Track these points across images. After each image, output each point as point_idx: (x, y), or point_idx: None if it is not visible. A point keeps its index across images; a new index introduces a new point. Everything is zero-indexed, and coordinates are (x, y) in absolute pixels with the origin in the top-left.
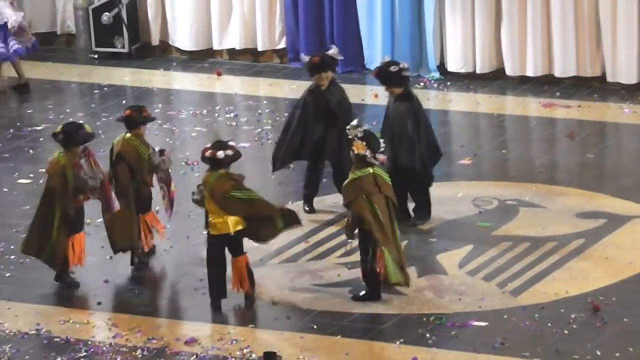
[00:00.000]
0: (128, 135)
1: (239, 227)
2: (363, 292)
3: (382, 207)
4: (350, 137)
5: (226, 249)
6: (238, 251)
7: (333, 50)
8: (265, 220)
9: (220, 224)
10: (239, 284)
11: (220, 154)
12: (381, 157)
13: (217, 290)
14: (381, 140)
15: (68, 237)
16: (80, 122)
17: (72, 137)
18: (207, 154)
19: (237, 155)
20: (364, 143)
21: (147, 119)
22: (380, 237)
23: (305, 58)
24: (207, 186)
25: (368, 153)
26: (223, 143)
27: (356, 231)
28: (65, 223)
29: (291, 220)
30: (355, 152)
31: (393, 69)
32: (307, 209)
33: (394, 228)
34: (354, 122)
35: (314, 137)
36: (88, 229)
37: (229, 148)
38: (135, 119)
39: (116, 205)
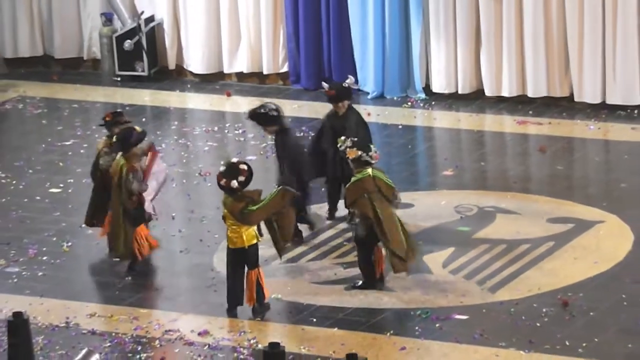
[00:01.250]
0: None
1: (254, 242)
2: (360, 282)
3: (382, 205)
4: (342, 148)
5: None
6: (251, 265)
7: (349, 81)
8: (283, 219)
9: (237, 239)
10: (248, 296)
11: (234, 183)
12: (376, 155)
13: (233, 298)
14: (372, 146)
15: (133, 230)
16: (131, 126)
17: (127, 140)
18: (222, 183)
19: (248, 180)
20: (355, 148)
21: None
22: (381, 236)
23: (325, 86)
24: (225, 207)
25: (361, 153)
26: (235, 169)
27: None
28: (127, 219)
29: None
30: (351, 157)
31: (262, 110)
32: (327, 218)
33: (398, 222)
34: (343, 137)
35: (329, 156)
36: None
37: (241, 174)
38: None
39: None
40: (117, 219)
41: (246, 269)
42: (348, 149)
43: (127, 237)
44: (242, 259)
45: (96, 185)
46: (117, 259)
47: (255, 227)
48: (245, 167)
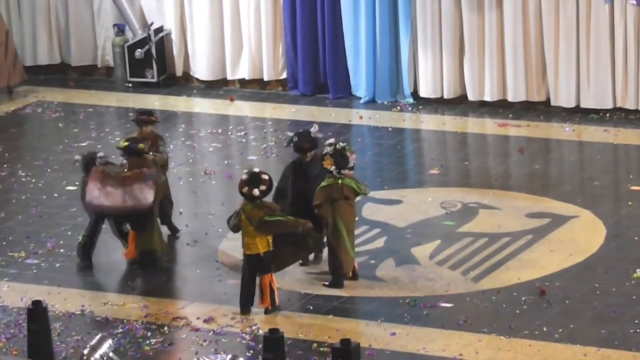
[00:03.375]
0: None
1: (266, 249)
2: (328, 282)
3: (344, 214)
4: (324, 152)
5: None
6: (264, 270)
7: (314, 129)
8: (294, 244)
9: (252, 245)
10: (261, 299)
11: (256, 191)
12: (347, 172)
13: (245, 301)
14: (353, 157)
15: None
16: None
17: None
18: (245, 190)
19: (269, 189)
20: (332, 160)
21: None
22: (332, 242)
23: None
24: (245, 213)
25: (333, 169)
26: (257, 178)
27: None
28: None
29: (318, 238)
30: (324, 166)
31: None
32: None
33: (352, 237)
34: (331, 140)
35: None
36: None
37: (262, 183)
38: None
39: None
40: (149, 219)
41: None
42: (326, 157)
43: (159, 231)
44: (256, 265)
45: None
46: (154, 254)
47: (269, 236)
48: (266, 177)
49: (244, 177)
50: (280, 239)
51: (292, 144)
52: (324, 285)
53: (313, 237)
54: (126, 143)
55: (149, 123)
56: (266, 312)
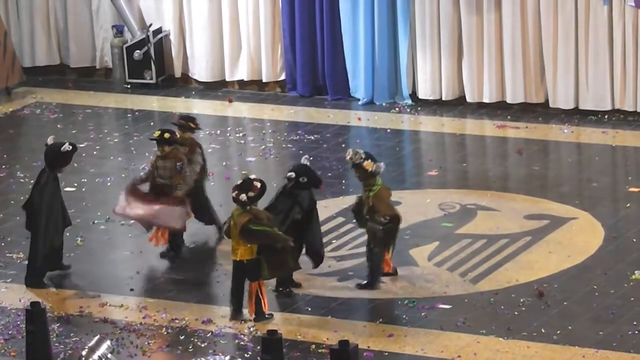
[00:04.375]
0: None
1: (248, 257)
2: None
3: None
4: (357, 162)
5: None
6: (251, 277)
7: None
8: (277, 257)
9: (237, 251)
10: (249, 307)
11: (243, 197)
12: (382, 164)
13: (234, 304)
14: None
15: None
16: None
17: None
18: (234, 195)
19: (258, 196)
20: (370, 160)
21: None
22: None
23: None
24: (233, 218)
25: (375, 167)
26: (249, 184)
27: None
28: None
29: (296, 265)
30: (369, 170)
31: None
32: None
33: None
34: (351, 150)
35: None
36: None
37: (252, 189)
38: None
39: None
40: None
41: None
42: (362, 161)
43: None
44: (241, 271)
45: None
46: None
47: (253, 245)
48: (258, 184)
49: (239, 182)
50: (268, 248)
51: (301, 183)
52: (359, 286)
53: (294, 258)
54: (168, 135)
55: (187, 129)
56: (254, 320)
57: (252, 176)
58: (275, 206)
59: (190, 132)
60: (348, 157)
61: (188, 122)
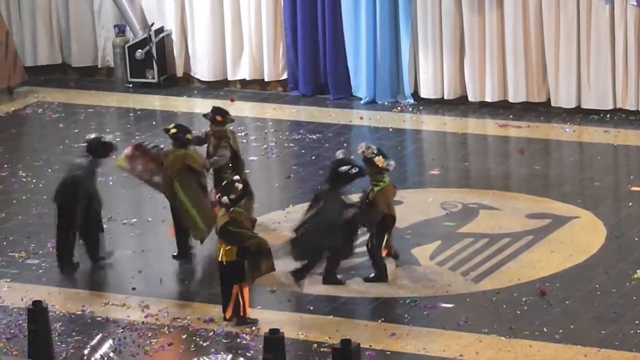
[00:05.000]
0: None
1: (228, 259)
2: (372, 275)
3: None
4: (368, 156)
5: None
6: (234, 279)
7: (340, 154)
8: (252, 260)
9: (219, 252)
10: (229, 308)
11: (225, 199)
12: (392, 162)
13: (223, 304)
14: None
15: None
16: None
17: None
18: (217, 197)
19: (239, 198)
20: (381, 157)
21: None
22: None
23: (339, 155)
24: (217, 219)
25: (386, 164)
26: (230, 187)
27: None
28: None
29: (271, 265)
30: (379, 166)
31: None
32: None
33: None
34: (363, 144)
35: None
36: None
37: (233, 192)
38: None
39: None
40: (186, 206)
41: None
42: (376, 157)
43: (202, 214)
44: (222, 273)
45: None
46: (198, 240)
47: (233, 247)
48: (239, 186)
49: (224, 182)
50: (247, 251)
51: (350, 175)
52: (366, 279)
53: (267, 263)
54: (174, 130)
55: (215, 122)
56: (235, 323)
57: (235, 177)
58: (327, 211)
59: (219, 126)
60: (360, 151)
61: (215, 116)
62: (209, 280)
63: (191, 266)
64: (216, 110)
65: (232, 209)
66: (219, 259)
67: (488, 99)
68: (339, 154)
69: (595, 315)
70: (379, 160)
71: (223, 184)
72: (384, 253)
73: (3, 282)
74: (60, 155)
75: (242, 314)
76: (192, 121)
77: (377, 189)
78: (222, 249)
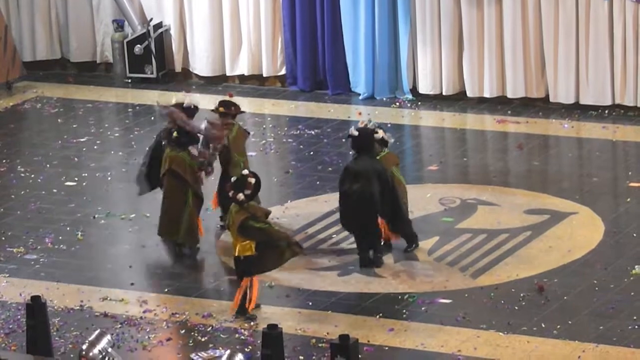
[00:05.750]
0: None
1: (247, 254)
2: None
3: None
4: (374, 127)
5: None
6: (245, 273)
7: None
8: (274, 250)
9: (235, 247)
10: (235, 299)
11: (240, 196)
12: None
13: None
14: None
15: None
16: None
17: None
18: (230, 194)
19: (254, 193)
20: (382, 129)
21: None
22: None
23: (354, 132)
24: (231, 216)
25: (386, 136)
26: (243, 182)
27: None
28: (195, 206)
29: (295, 251)
30: (383, 137)
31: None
32: None
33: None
34: (365, 119)
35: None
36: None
37: (247, 187)
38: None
39: None
40: (181, 206)
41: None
42: (377, 128)
43: (191, 224)
44: (237, 267)
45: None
46: (177, 244)
47: (252, 242)
48: (252, 180)
49: (233, 179)
50: (262, 246)
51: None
52: (407, 250)
53: (292, 249)
54: (177, 134)
55: (220, 114)
56: (235, 314)
57: (245, 172)
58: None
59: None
60: (362, 125)
61: (218, 108)
62: (207, 276)
63: (189, 262)
64: (221, 103)
65: (246, 204)
66: (235, 254)
67: (486, 95)
68: (353, 130)
69: (593, 311)
70: (381, 132)
71: (233, 180)
72: (394, 238)
73: (1, 277)
74: (58, 150)
75: (246, 307)
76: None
77: (378, 157)
78: (238, 244)
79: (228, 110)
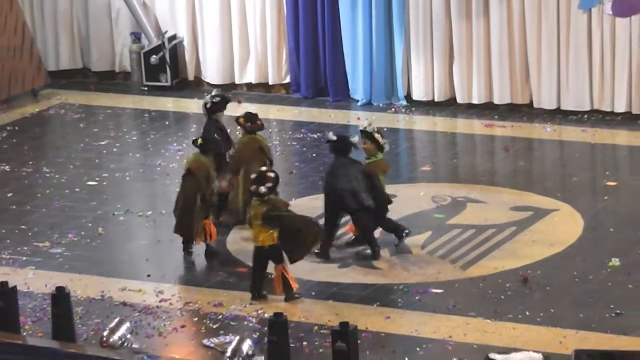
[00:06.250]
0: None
1: (270, 243)
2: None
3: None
4: (369, 131)
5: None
6: (275, 260)
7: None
8: (296, 238)
9: (258, 238)
10: (277, 289)
11: (262, 189)
12: (387, 145)
13: (253, 288)
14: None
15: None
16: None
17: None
18: (252, 188)
19: (274, 186)
20: (380, 135)
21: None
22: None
23: (332, 137)
24: (253, 209)
25: (383, 142)
26: (263, 177)
27: None
28: (203, 208)
29: (317, 236)
30: (380, 142)
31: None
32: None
33: None
34: (366, 122)
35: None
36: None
37: (268, 181)
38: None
39: None
40: (191, 205)
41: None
42: (375, 133)
43: (196, 222)
44: (262, 256)
45: None
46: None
47: (275, 231)
48: (272, 175)
49: (253, 175)
50: (286, 235)
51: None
52: (399, 240)
53: (313, 235)
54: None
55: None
56: (285, 299)
57: (264, 168)
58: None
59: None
60: (363, 127)
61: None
62: (217, 268)
63: (201, 254)
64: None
65: (268, 197)
66: (259, 245)
67: (475, 101)
68: (331, 135)
69: (573, 300)
70: (378, 137)
71: (253, 176)
72: (378, 234)
73: (28, 270)
74: (81, 152)
75: (291, 288)
76: (203, 121)
77: (368, 161)
78: (262, 235)
79: (249, 124)
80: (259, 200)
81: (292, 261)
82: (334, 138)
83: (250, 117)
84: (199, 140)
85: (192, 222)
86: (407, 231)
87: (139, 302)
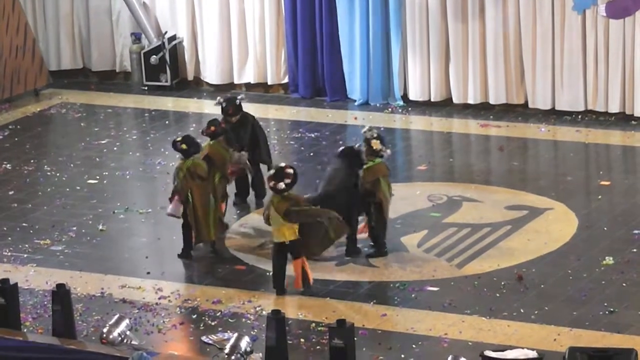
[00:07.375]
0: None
1: (292, 238)
2: (371, 251)
3: (387, 188)
4: (367, 137)
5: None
6: (295, 255)
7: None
8: (318, 233)
9: (278, 234)
10: (296, 281)
11: (281, 185)
12: (388, 151)
13: (276, 283)
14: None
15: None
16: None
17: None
18: (271, 184)
19: (294, 182)
20: (379, 141)
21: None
22: (386, 212)
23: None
24: (273, 205)
25: (381, 148)
26: (282, 173)
27: None
28: (216, 204)
29: (341, 229)
30: (374, 148)
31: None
32: None
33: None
34: (368, 126)
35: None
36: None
37: (287, 177)
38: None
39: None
40: (207, 208)
41: (292, 258)
42: (373, 140)
43: (216, 221)
44: (283, 251)
45: None
46: (203, 244)
47: (296, 226)
48: (291, 171)
49: (271, 172)
50: (307, 230)
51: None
52: (368, 256)
53: (336, 229)
54: (185, 146)
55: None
56: (303, 292)
57: (282, 164)
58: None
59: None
60: (362, 131)
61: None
62: (216, 266)
63: (201, 252)
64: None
65: (287, 193)
66: (280, 240)
67: (471, 101)
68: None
69: (567, 298)
70: (375, 143)
71: (272, 172)
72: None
73: (29, 267)
74: (81, 151)
75: (309, 282)
76: (202, 121)
77: (366, 167)
78: (285, 230)
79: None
80: (279, 196)
81: (312, 255)
82: (349, 150)
83: (213, 122)
84: (183, 145)
85: (209, 227)
86: (353, 257)
87: (138, 299)
